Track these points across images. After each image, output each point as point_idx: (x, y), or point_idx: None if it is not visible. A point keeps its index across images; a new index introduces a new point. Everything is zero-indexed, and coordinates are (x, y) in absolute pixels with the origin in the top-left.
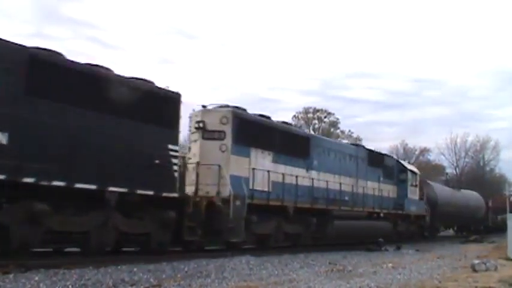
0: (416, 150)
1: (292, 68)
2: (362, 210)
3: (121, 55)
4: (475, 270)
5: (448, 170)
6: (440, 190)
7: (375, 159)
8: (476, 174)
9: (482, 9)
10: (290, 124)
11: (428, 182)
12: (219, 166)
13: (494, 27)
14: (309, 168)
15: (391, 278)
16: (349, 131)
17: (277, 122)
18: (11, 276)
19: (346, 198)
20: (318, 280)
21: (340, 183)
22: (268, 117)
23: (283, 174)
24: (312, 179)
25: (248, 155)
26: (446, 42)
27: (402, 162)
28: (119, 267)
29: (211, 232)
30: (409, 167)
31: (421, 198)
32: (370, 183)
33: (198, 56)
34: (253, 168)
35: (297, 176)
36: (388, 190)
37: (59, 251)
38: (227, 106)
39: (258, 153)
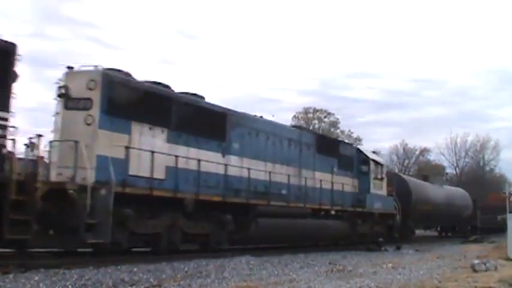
0: (416, 150)
1: (292, 68)
2: (303, 207)
3: (122, 55)
4: (475, 270)
5: (448, 170)
6: (416, 185)
7: (327, 146)
8: (476, 174)
9: (482, 9)
10: (201, 97)
11: (401, 175)
12: (76, 143)
13: (494, 27)
14: (225, 152)
15: (391, 278)
16: (349, 131)
17: (180, 92)
18: (11, 276)
19: (283, 191)
20: (318, 280)
21: (270, 173)
22: (167, 86)
23: (177, 158)
24: (228, 166)
25: (128, 131)
26: (446, 42)
27: (364, 151)
28: (119, 267)
29: (64, 230)
30: (372, 156)
31: (390, 194)
32: (319, 175)
33: (198, 56)
34: (128, 147)
35: (199, 161)
36: (345, 183)
37: (59, 251)
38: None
39: (145, 129)
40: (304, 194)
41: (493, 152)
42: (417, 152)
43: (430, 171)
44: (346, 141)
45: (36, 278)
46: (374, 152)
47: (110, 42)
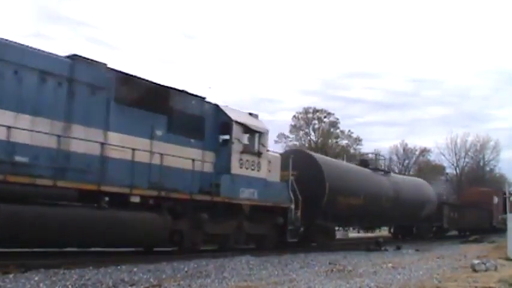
0: (416, 150)
1: (292, 68)
2: (53, 186)
3: (123, 55)
4: (475, 270)
5: (448, 170)
6: (333, 169)
7: (142, 94)
8: (476, 174)
9: (482, 9)
10: None
11: (309, 153)
12: None
13: (494, 27)
14: None
15: (391, 278)
16: (349, 131)
17: None
18: (11, 276)
19: (17, 157)
20: (318, 280)
21: None
22: None
23: None
24: None
25: None
26: (446, 42)
27: (225, 109)
28: (119, 267)
29: None
30: (240, 118)
31: (285, 180)
32: (117, 138)
33: (198, 56)
34: None
35: None
36: (184, 156)
37: (59, 251)
38: None
39: None
40: (69, 165)
41: (493, 152)
42: (417, 152)
43: (430, 171)
44: (198, 95)
45: (36, 278)
46: (251, 114)
47: (110, 43)
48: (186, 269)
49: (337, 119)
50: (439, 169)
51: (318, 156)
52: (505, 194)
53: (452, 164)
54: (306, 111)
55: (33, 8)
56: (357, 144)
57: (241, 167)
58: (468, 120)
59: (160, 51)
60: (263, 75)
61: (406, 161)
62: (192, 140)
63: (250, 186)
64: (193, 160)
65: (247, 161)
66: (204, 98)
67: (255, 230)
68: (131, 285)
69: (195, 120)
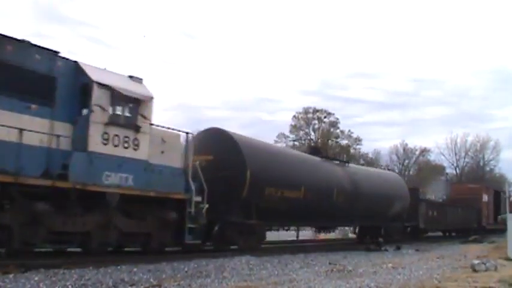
0: (416, 150)
1: (293, 68)
2: None
3: (126, 55)
4: (475, 270)
5: (448, 170)
6: (258, 152)
7: None
8: (476, 174)
9: (482, 9)
10: None
11: (226, 132)
12: None
13: (494, 27)
14: None
15: (391, 278)
16: (349, 131)
17: None
18: (11, 276)
19: None
20: (318, 280)
21: None
22: None
23: None
24: None
25: None
26: (446, 42)
27: (84, 66)
28: (119, 267)
29: None
30: (103, 78)
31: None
32: None
33: (198, 56)
34: None
35: None
36: (18, 127)
37: (59, 251)
38: None
39: None
40: None
41: (493, 152)
42: (417, 152)
43: (430, 171)
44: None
45: (36, 278)
46: (133, 77)
47: (110, 43)
48: (186, 269)
49: (337, 119)
50: (439, 169)
51: (238, 136)
52: (497, 191)
53: (452, 164)
54: (306, 111)
55: (34, 7)
56: (357, 144)
57: (105, 144)
58: (468, 120)
59: (160, 51)
60: (263, 75)
61: (406, 161)
62: (34, 106)
63: (120, 170)
64: (20, 130)
65: (116, 136)
66: (57, 53)
67: (134, 227)
68: (131, 285)
69: (39, 81)
